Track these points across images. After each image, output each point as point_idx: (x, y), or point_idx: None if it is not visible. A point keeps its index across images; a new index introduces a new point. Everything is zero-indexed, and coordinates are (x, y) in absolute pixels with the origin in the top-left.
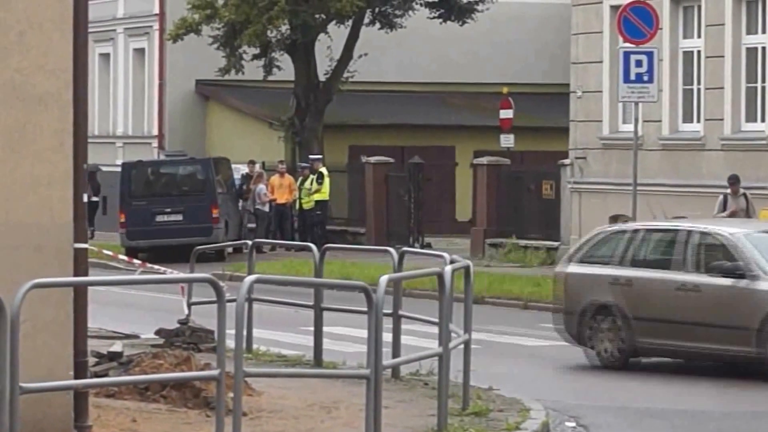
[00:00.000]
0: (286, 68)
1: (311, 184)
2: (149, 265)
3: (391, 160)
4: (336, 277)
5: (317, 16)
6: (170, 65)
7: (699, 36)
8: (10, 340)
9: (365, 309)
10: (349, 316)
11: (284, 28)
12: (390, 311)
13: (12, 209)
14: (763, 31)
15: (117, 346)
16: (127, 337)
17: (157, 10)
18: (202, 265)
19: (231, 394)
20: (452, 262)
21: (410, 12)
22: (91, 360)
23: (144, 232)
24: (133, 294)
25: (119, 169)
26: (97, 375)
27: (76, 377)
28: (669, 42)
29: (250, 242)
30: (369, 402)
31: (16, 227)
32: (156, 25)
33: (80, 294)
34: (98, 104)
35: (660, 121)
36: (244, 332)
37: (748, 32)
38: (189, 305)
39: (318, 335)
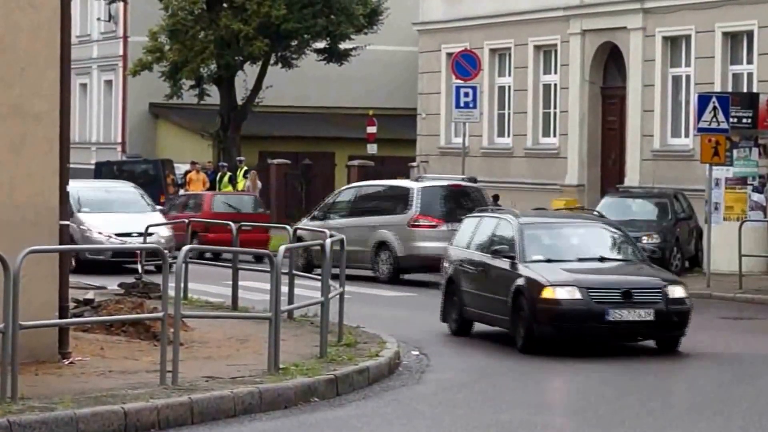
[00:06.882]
0: (213, 95)
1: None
2: (114, 237)
3: (289, 161)
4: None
5: (237, 57)
6: (130, 92)
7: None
8: (13, 291)
9: (269, 269)
10: (258, 273)
11: (212, 66)
12: (287, 271)
13: (15, 196)
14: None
15: (90, 295)
16: (97, 288)
17: (121, 53)
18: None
19: (171, 330)
20: (331, 236)
21: (303, 56)
22: (71, 304)
23: None
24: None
25: (93, 166)
26: (75, 315)
27: (60, 317)
28: (488, 79)
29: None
30: (271, 336)
31: (18, 208)
32: (120, 64)
33: (64, 257)
34: (78, 119)
35: (480, 135)
36: (182, 285)
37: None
38: (142, 266)
39: (235, 287)
